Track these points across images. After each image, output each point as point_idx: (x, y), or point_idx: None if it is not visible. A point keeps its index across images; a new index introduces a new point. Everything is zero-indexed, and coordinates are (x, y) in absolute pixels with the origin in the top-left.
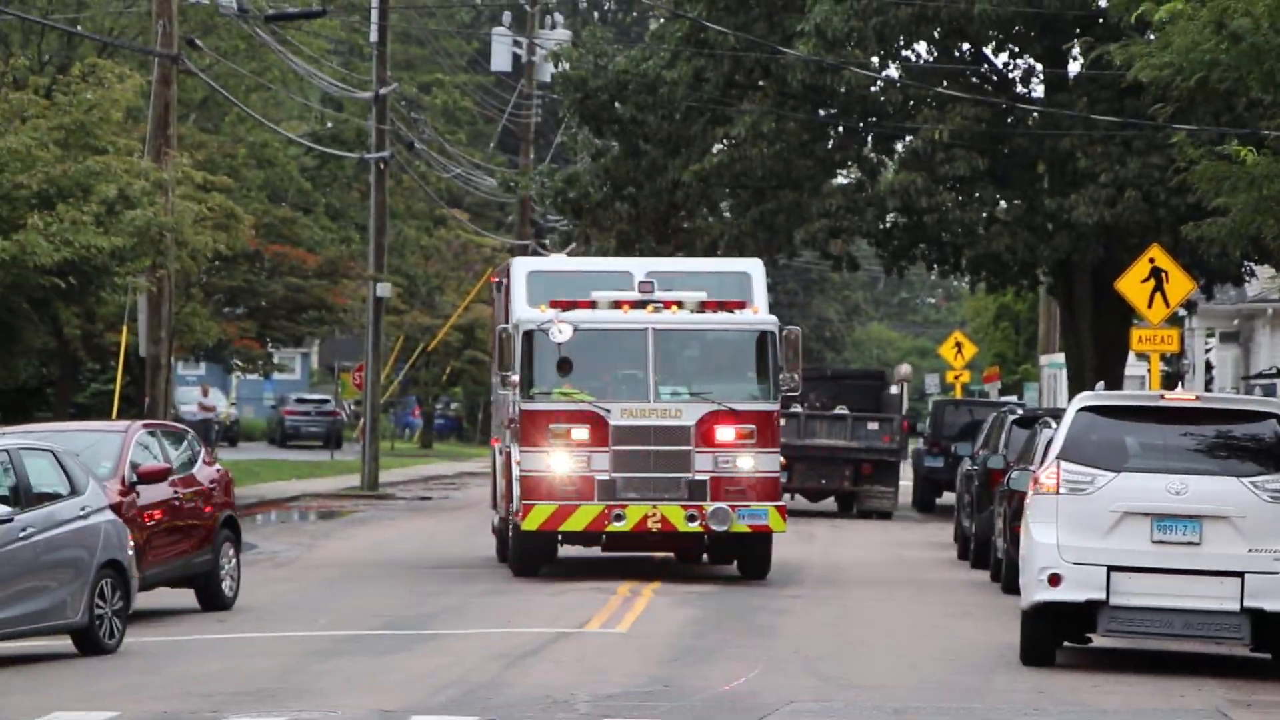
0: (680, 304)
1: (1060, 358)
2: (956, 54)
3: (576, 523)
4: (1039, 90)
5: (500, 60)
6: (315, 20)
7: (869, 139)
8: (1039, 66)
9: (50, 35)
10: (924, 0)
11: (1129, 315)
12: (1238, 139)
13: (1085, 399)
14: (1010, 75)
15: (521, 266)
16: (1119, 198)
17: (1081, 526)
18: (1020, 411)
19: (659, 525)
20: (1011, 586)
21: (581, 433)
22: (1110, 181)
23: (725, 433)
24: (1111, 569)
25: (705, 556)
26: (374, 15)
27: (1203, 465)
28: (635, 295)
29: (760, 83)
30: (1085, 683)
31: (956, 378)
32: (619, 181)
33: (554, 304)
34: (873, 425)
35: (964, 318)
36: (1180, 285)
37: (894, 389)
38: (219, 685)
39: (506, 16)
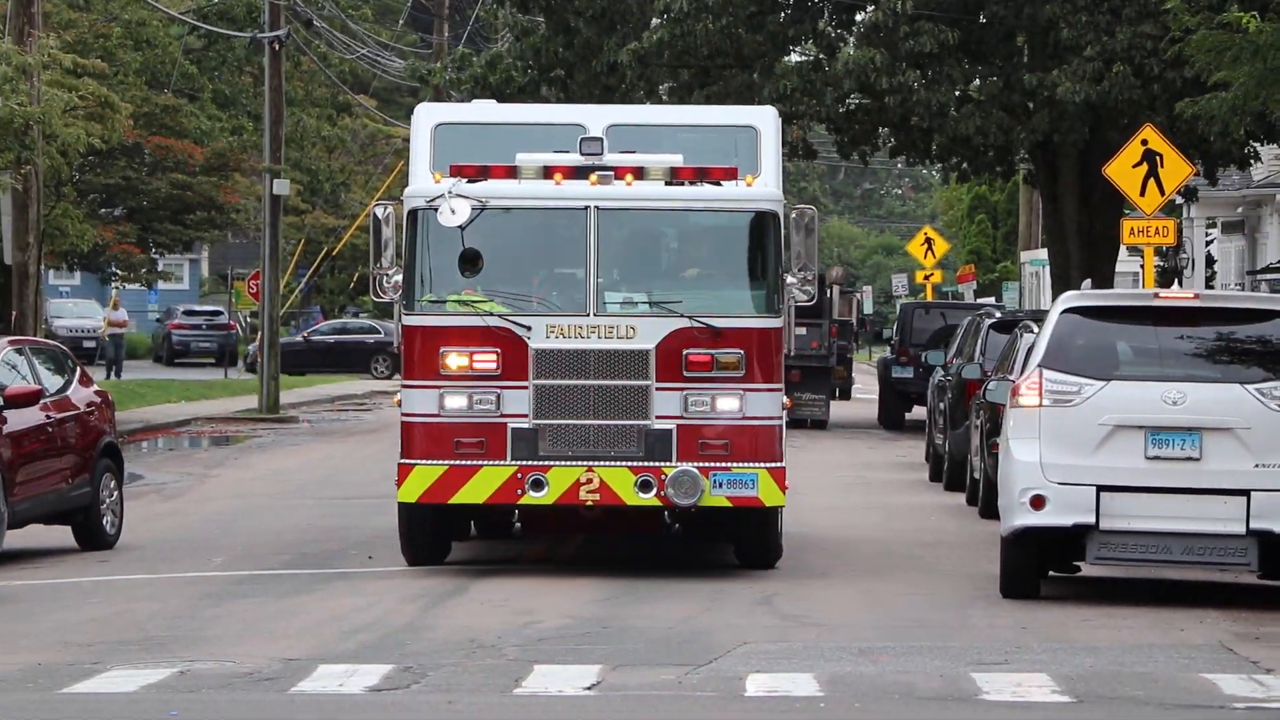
0: (642, 171)
1: (1043, 254)
2: None
3: (474, 492)
4: None
5: None
6: None
7: (825, 11)
8: None
9: None
10: None
11: (1120, 204)
12: (1239, 4)
13: (1070, 299)
14: None
15: (427, 117)
16: (1106, 72)
17: (1067, 442)
18: (998, 315)
19: (596, 496)
20: (990, 511)
21: (487, 360)
22: (1097, 54)
23: (700, 361)
24: (1101, 489)
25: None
26: None
27: (1202, 371)
28: (577, 159)
29: None
30: (1072, 617)
31: (927, 278)
32: (547, 63)
33: (455, 170)
34: (798, 330)
35: (934, 211)
36: (1177, 169)
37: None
38: (101, 634)
39: None
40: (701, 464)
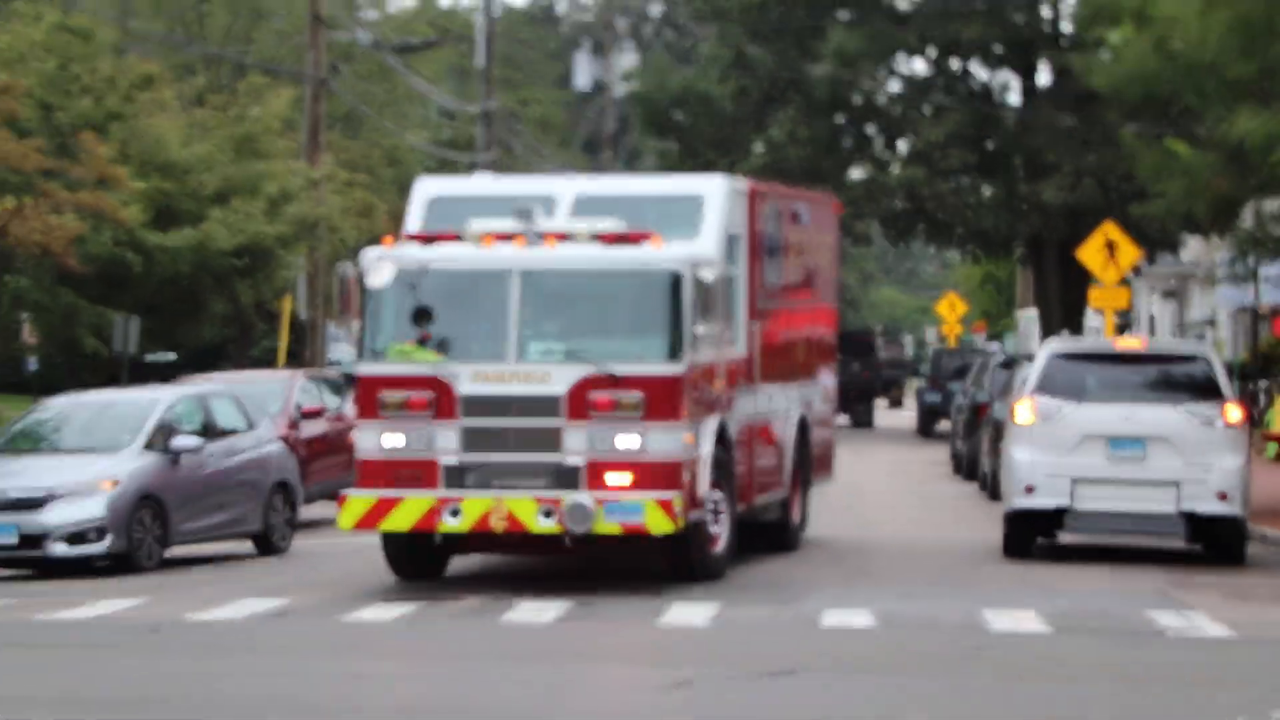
0: (569, 236)
1: (1033, 312)
2: (949, 69)
3: (400, 520)
4: (1015, 99)
5: (582, 79)
6: (433, 49)
7: (878, 140)
8: (1015, 80)
9: (225, 63)
10: (922, 25)
11: (1087, 278)
12: (1174, 136)
13: (1054, 345)
14: (991, 86)
15: (423, 190)
16: (1079, 184)
17: (1051, 447)
18: (1002, 356)
19: (504, 523)
20: (995, 495)
21: (421, 403)
22: (1072, 171)
23: (604, 403)
24: (1075, 480)
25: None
26: (480, 44)
27: (1147, 396)
28: (511, 226)
29: (792, 96)
30: (1054, 571)
31: (951, 330)
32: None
33: (409, 238)
34: (854, 366)
35: (956, 281)
36: (1128, 253)
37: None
38: (366, 580)
39: (587, 43)
40: (599, 495)
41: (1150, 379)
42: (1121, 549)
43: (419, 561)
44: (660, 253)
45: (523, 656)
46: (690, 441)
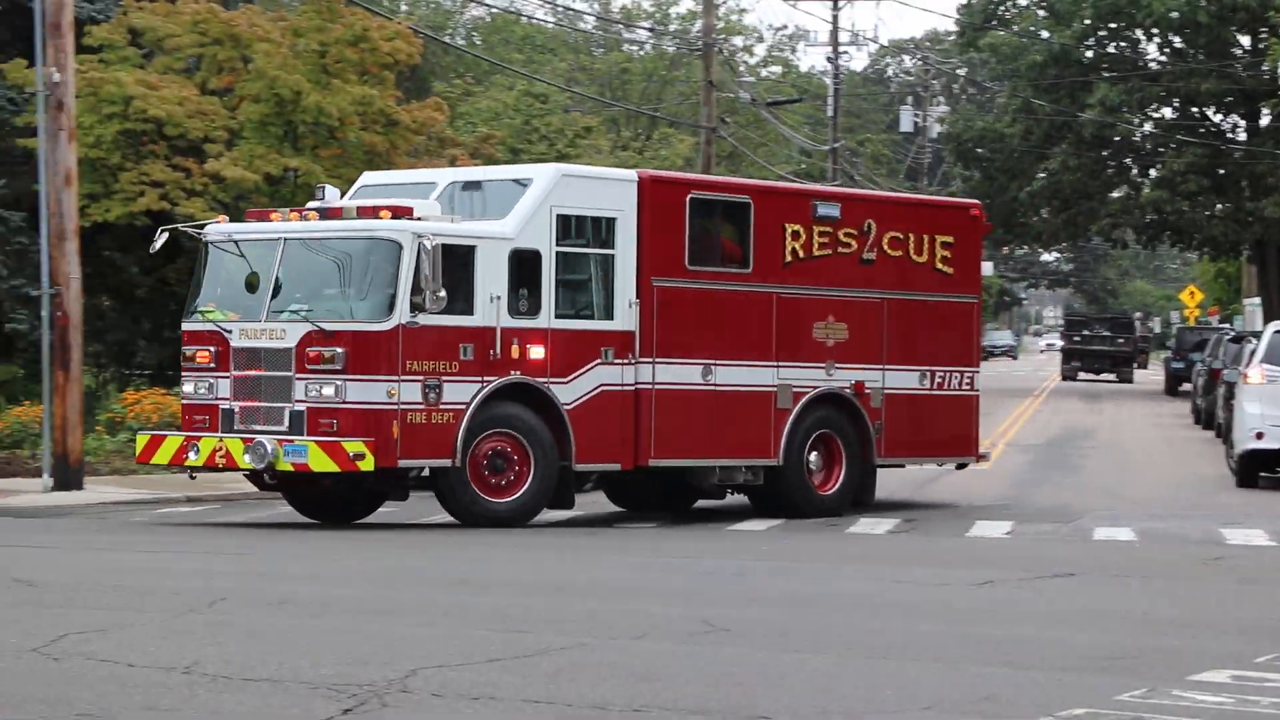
0: (340, 212)
1: (1257, 300)
2: (1189, 114)
3: (163, 456)
4: (1242, 136)
5: (906, 124)
6: (796, 104)
7: (1134, 169)
8: (1242, 122)
9: (641, 117)
10: (1169, 81)
11: None
12: None
13: (1275, 325)
14: (1223, 127)
15: (360, 178)
16: None
17: (1272, 402)
18: (1232, 333)
19: (224, 460)
20: (1227, 440)
21: (208, 356)
22: None
23: (314, 357)
24: None
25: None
26: (830, 100)
27: None
28: (311, 205)
29: (1066, 135)
30: (1275, 499)
31: (1191, 313)
32: (980, 195)
33: (247, 215)
34: (1119, 340)
35: (1195, 275)
36: None
37: (1135, 324)
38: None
39: (910, 97)
40: (283, 436)
41: None
42: None
43: (326, 506)
44: (385, 223)
45: (866, 559)
46: (394, 395)
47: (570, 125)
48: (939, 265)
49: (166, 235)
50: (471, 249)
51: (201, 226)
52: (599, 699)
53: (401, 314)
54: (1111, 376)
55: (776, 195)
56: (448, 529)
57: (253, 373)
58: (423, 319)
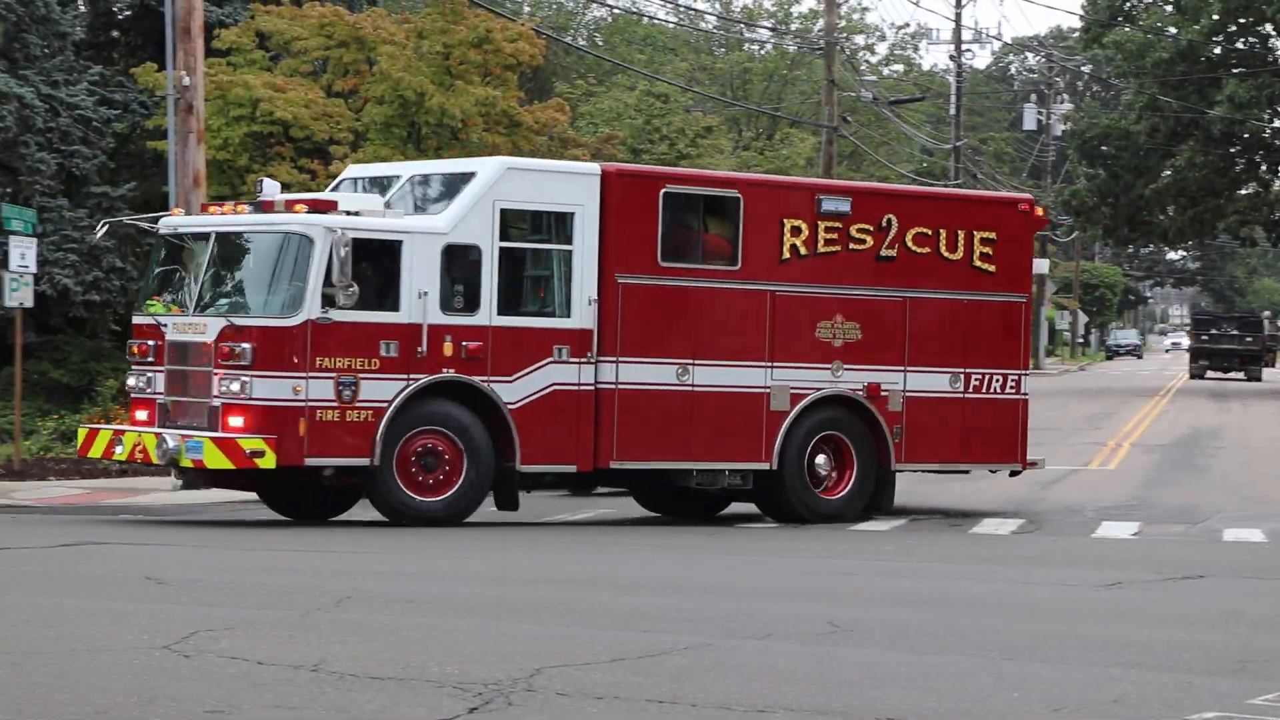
0: (272, 205)
1: None
2: None
3: (97, 449)
4: None
5: (1029, 122)
6: (918, 103)
7: (1263, 165)
8: None
9: (763, 117)
10: None
11: None
12: None
13: None
14: None
15: (345, 171)
16: None
17: None
18: None
19: (142, 455)
20: None
21: (147, 350)
22: None
23: (226, 352)
24: None
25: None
26: (953, 98)
27: None
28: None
29: (1193, 132)
30: None
31: None
32: (1105, 193)
33: (202, 208)
34: (1248, 338)
35: None
36: None
37: (1264, 323)
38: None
39: (1033, 95)
40: (188, 433)
41: None
42: None
43: (300, 504)
44: (298, 217)
45: (990, 560)
46: (300, 391)
47: (691, 125)
48: (977, 263)
49: (106, 227)
50: (397, 244)
51: (156, 219)
52: (723, 699)
53: (311, 309)
54: (1240, 375)
55: (772, 189)
56: (558, 529)
57: (179, 367)
58: (336, 315)
